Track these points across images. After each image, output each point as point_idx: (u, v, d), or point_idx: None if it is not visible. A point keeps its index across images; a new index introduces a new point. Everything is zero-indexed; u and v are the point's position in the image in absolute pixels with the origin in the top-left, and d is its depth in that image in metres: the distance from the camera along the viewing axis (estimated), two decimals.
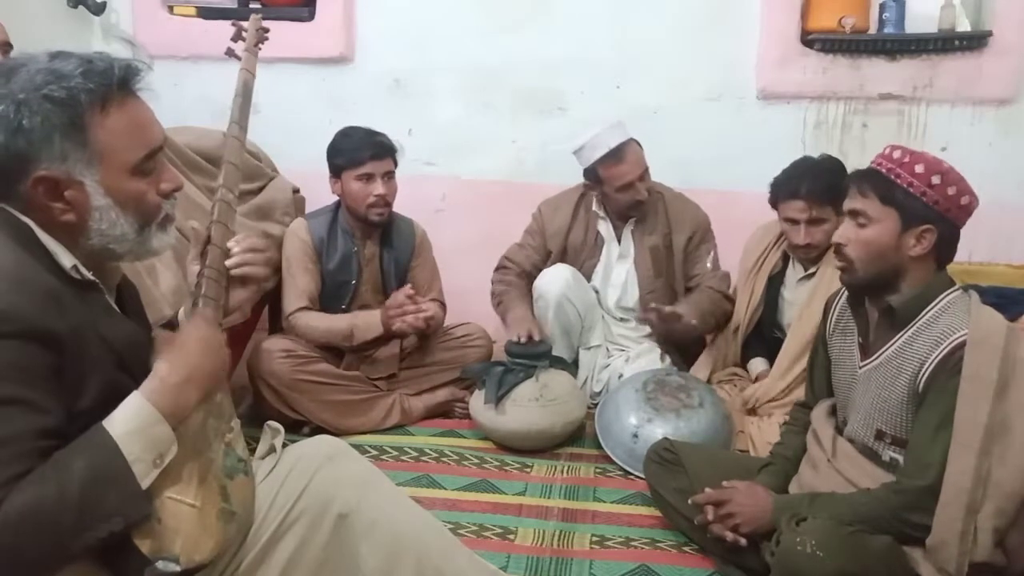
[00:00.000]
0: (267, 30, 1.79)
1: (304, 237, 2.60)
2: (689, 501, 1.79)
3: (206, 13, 3.31)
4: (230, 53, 1.78)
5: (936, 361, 1.49)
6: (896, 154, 1.56)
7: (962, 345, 1.47)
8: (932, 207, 1.52)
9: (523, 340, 2.49)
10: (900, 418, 1.56)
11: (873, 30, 3.02)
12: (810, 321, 2.25)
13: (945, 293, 1.56)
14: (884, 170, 1.56)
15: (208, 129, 2.70)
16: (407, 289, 2.53)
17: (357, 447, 1.55)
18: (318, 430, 2.35)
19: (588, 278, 2.78)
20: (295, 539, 1.24)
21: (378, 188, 2.53)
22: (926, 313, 1.55)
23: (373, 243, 2.66)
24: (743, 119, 3.14)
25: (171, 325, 1.35)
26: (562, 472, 2.31)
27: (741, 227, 2.76)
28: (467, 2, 3.21)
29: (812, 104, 3.10)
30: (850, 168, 1.85)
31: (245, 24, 1.78)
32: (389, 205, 2.59)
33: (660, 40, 3.12)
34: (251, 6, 3.33)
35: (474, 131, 3.28)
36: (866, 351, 1.65)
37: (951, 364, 1.48)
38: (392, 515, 1.30)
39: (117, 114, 1.10)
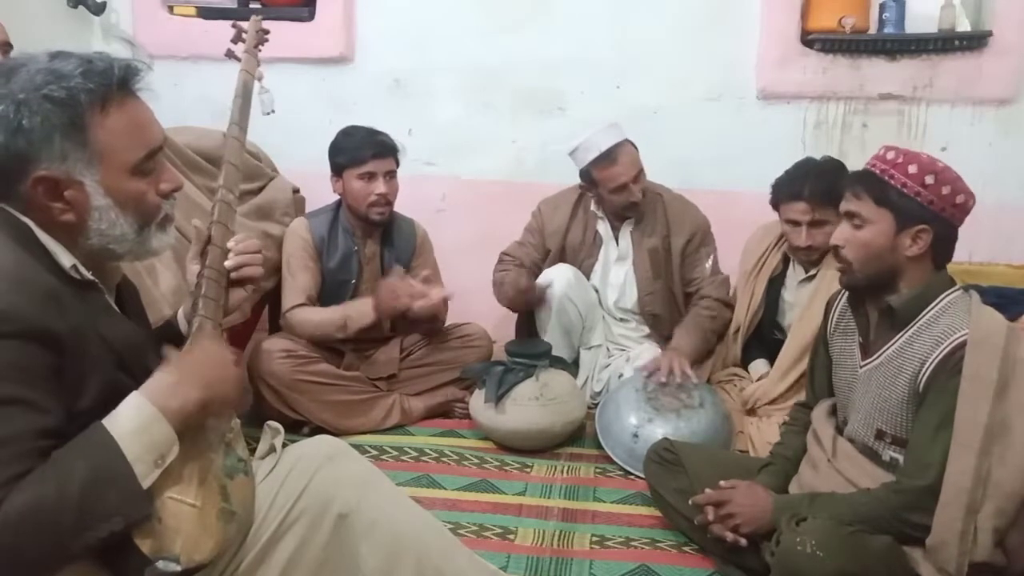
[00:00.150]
0: (267, 31, 1.79)
1: (305, 235, 2.61)
2: (690, 502, 1.79)
3: (206, 13, 3.31)
4: (230, 55, 1.78)
5: (936, 361, 1.49)
6: (890, 155, 1.56)
7: (962, 345, 1.47)
8: (927, 207, 1.52)
9: (525, 285, 2.54)
10: (900, 418, 1.57)
11: (873, 30, 3.02)
12: (811, 323, 2.24)
13: (945, 293, 1.56)
14: (878, 171, 1.56)
15: (208, 129, 2.70)
16: (399, 270, 2.51)
17: (357, 447, 1.55)
18: (318, 430, 2.35)
19: (587, 277, 2.78)
20: (295, 539, 1.24)
21: (379, 187, 2.53)
22: (926, 313, 1.55)
23: (374, 242, 2.66)
24: (743, 119, 3.14)
25: (170, 324, 1.36)
26: (562, 472, 2.31)
27: (741, 227, 2.76)
28: (467, 2, 3.22)
29: (812, 104, 3.10)
30: (851, 169, 1.85)
31: (245, 25, 1.78)
32: (390, 204, 2.59)
33: (660, 40, 3.12)
34: (251, 6, 3.33)
35: (474, 131, 3.28)
36: (867, 351, 1.65)
37: (951, 364, 1.48)
38: (392, 515, 1.30)
39: (117, 114, 1.10)
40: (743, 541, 1.67)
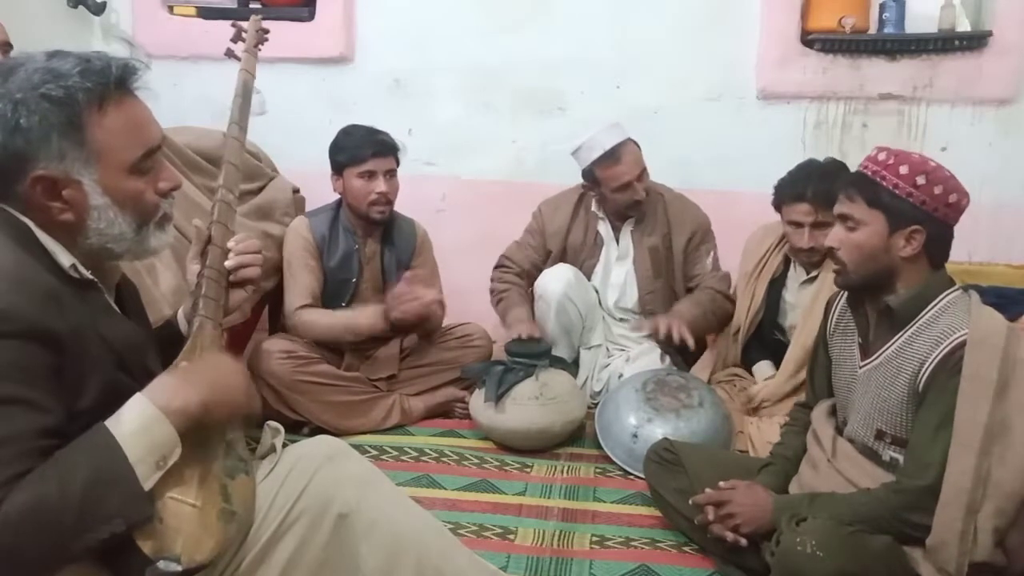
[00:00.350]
0: (267, 31, 1.79)
1: (305, 235, 2.61)
2: (690, 501, 1.79)
3: (206, 13, 3.31)
4: (230, 54, 1.78)
5: (936, 361, 1.49)
6: (881, 156, 1.56)
7: (962, 345, 1.47)
8: (919, 207, 1.52)
9: (524, 336, 2.49)
10: (900, 418, 1.56)
11: (873, 30, 3.02)
12: (814, 325, 2.24)
13: (945, 293, 1.56)
14: (869, 173, 1.56)
15: (208, 129, 2.70)
16: (406, 276, 2.52)
17: (357, 447, 1.55)
18: (318, 430, 2.35)
19: (587, 278, 2.78)
20: (295, 539, 1.24)
21: (380, 186, 2.53)
22: (926, 313, 1.55)
23: (374, 241, 2.66)
24: (743, 119, 3.14)
25: (170, 324, 1.36)
26: (562, 472, 2.31)
27: (741, 227, 2.76)
28: (467, 2, 3.22)
29: (812, 104, 3.10)
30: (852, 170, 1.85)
31: (245, 25, 1.78)
32: (391, 203, 2.59)
33: (660, 40, 3.12)
34: (251, 6, 3.33)
35: (474, 131, 3.28)
36: (866, 351, 1.65)
37: (951, 364, 1.48)
38: (392, 515, 1.29)
39: (115, 113, 1.10)
40: (743, 541, 1.67)
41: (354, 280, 2.62)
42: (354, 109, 3.17)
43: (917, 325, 1.55)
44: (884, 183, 1.53)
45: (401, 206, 2.68)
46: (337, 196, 2.65)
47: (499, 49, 3.20)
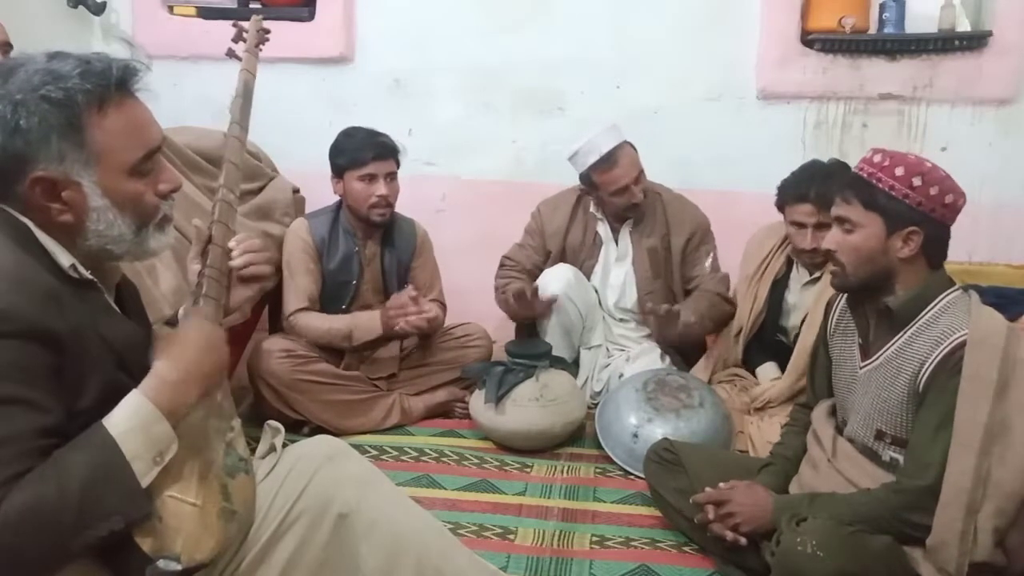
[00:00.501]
0: (268, 31, 1.79)
1: (305, 237, 2.61)
2: (691, 500, 1.79)
3: (206, 13, 3.31)
4: (230, 54, 1.78)
5: (936, 361, 1.49)
6: (877, 158, 1.56)
7: (962, 345, 1.47)
8: (916, 208, 1.52)
9: (528, 293, 2.51)
10: (900, 418, 1.56)
11: (873, 30, 3.01)
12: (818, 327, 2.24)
13: (945, 293, 1.56)
14: (865, 175, 1.56)
15: (208, 129, 2.70)
16: (410, 290, 2.53)
17: (357, 447, 1.55)
18: (318, 430, 2.35)
19: (587, 278, 2.78)
20: (295, 539, 1.24)
21: (380, 188, 2.53)
22: (926, 313, 1.55)
23: (374, 243, 2.66)
24: (743, 119, 3.14)
25: (171, 325, 1.36)
26: (562, 472, 2.31)
27: (741, 228, 2.76)
28: (467, 2, 3.21)
29: (812, 104, 3.10)
30: None
31: (246, 25, 1.78)
32: (391, 206, 2.59)
33: (660, 40, 3.12)
34: (251, 6, 3.33)
35: (474, 131, 3.28)
36: (866, 352, 1.65)
37: (951, 364, 1.48)
38: (392, 515, 1.29)
39: (115, 115, 1.10)
40: (743, 540, 1.67)
41: (354, 282, 2.62)
42: (354, 109, 3.17)
43: (917, 325, 1.55)
44: (880, 185, 1.53)
45: (401, 206, 2.68)
46: (337, 198, 2.65)
47: (499, 49, 3.20)
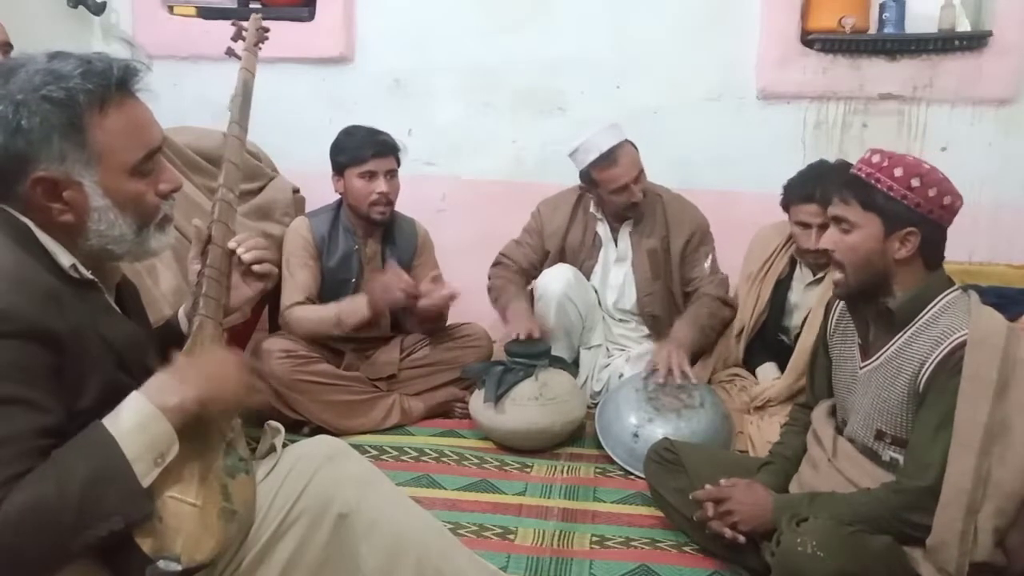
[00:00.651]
0: (267, 30, 1.79)
1: (305, 234, 2.61)
2: (690, 496, 1.79)
3: (206, 13, 3.31)
4: (230, 52, 1.78)
5: (936, 361, 1.49)
6: (875, 158, 1.56)
7: (962, 345, 1.47)
8: (914, 210, 1.52)
9: (523, 337, 2.49)
10: (900, 418, 1.56)
11: (873, 30, 3.02)
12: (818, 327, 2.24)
13: (944, 293, 1.56)
14: (864, 175, 1.55)
15: (208, 129, 2.70)
16: (391, 265, 2.50)
17: (357, 447, 1.55)
18: (318, 430, 2.35)
19: (587, 279, 2.78)
20: (295, 539, 1.24)
21: (380, 186, 2.53)
22: (925, 314, 1.55)
23: (375, 241, 2.66)
24: (743, 119, 3.14)
25: (171, 324, 1.36)
26: (562, 472, 2.31)
27: (741, 228, 2.76)
28: (467, 2, 3.22)
29: (812, 104, 3.10)
30: None
31: (245, 24, 1.78)
32: (391, 203, 2.59)
33: (660, 40, 3.12)
34: (251, 6, 3.33)
35: (474, 131, 3.28)
36: (866, 352, 1.65)
37: (951, 364, 1.47)
38: (392, 515, 1.29)
39: (116, 115, 1.10)
40: (741, 539, 1.67)
41: (353, 280, 2.62)
42: (354, 109, 3.17)
43: (916, 326, 1.55)
44: (879, 185, 1.53)
45: (401, 206, 2.68)
46: (337, 196, 2.65)
47: (499, 49, 3.20)
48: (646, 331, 2.78)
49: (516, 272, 2.78)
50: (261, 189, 2.84)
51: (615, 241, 2.77)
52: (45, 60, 1.08)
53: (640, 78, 3.16)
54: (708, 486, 1.77)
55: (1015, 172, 3.02)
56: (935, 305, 1.55)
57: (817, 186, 2.32)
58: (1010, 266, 2.88)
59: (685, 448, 1.97)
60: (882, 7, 2.99)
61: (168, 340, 1.29)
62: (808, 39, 3.03)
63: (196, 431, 1.13)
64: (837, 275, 1.61)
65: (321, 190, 2.74)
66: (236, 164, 1.45)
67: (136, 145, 1.13)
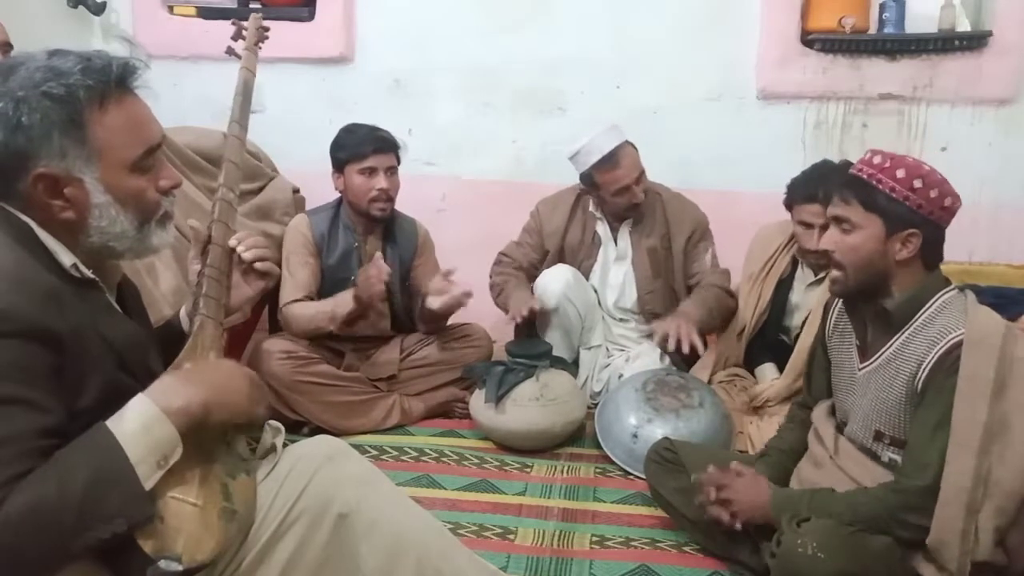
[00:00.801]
0: (267, 29, 1.79)
1: (305, 232, 2.61)
2: (692, 478, 1.78)
3: (206, 13, 3.31)
4: (230, 52, 1.78)
5: (933, 361, 1.49)
6: (877, 159, 1.55)
7: (959, 344, 1.47)
8: (916, 211, 1.52)
9: (525, 314, 2.48)
10: (899, 419, 1.56)
11: (873, 30, 3.02)
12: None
13: (940, 293, 1.56)
14: (865, 176, 1.55)
15: (208, 129, 2.70)
16: (377, 260, 2.47)
17: (357, 447, 1.55)
18: (318, 430, 2.35)
19: (586, 278, 2.78)
20: (295, 539, 1.24)
21: (380, 182, 2.53)
22: (922, 314, 1.55)
23: (375, 239, 2.66)
24: (743, 119, 3.14)
25: (171, 324, 1.36)
26: (562, 472, 2.31)
27: (741, 227, 2.76)
28: (467, 2, 3.22)
29: (812, 104, 3.11)
30: None
31: (245, 23, 1.78)
32: (391, 200, 2.59)
33: (660, 40, 3.12)
34: (251, 6, 3.33)
35: (474, 131, 3.28)
36: (864, 354, 1.65)
37: (948, 363, 1.47)
38: (392, 515, 1.29)
39: (116, 111, 1.10)
40: (738, 525, 1.66)
41: (353, 278, 2.62)
42: (354, 109, 3.17)
43: (914, 326, 1.55)
44: (881, 187, 1.53)
45: (401, 206, 2.68)
46: (337, 195, 2.65)
47: (499, 49, 3.20)
48: (646, 331, 2.78)
49: (517, 268, 2.78)
50: (261, 189, 2.84)
51: (615, 240, 2.77)
52: (45, 57, 1.08)
53: (640, 78, 3.16)
54: (712, 468, 1.76)
55: (1015, 172, 3.03)
56: (932, 305, 1.55)
57: (820, 186, 2.32)
58: (1010, 266, 2.88)
59: (685, 448, 1.97)
60: (882, 7, 2.99)
61: (169, 340, 1.29)
62: (808, 39, 3.03)
63: (197, 433, 1.13)
64: (836, 274, 1.61)
65: (321, 190, 2.74)
66: (236, 164, 1.45)
67: (136, 141, 1.13)
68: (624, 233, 2.75)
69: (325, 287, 2.62)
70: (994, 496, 1.43)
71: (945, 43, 2.95)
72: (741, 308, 2.66)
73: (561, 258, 2.78)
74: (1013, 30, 2.92)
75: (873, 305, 1.61)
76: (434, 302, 2.52)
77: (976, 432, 1.43)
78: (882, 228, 1.54)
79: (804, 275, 2.55)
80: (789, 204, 2.45)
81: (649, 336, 2.77)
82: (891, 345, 1.58)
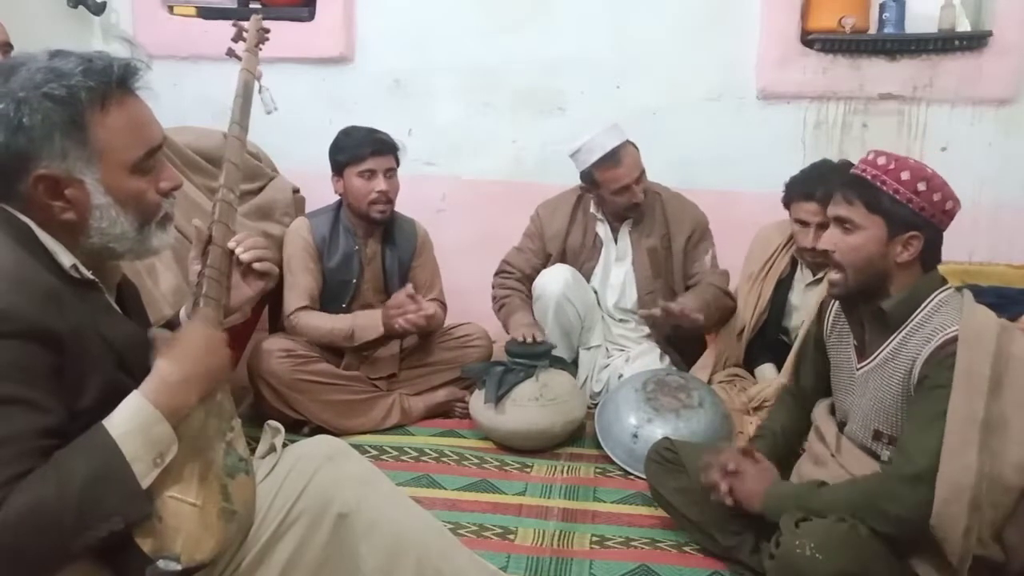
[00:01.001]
0: (268, 30, 1.79)
1: (306, 236, 2.61)
2: (703, 462, 1.78)
3: (206, 13, 3.31)
4: (231, 53, 1.78)
5: (927, 355, 1.49)
6: (881, 160, 1.55)
7: (953, 340, 1.46)
8: (919, 213, 1.52)
9: (528, 341, 2.49)
10: (897, 418, 1.57)
11: (873, 30, 3.02)
12: None
13: (936, 293, 1.56)
14: (869, 177, 1.55)
15: (208, 129, 2.70)
16: (408, 288, 2.53)
17: (357, 447, 1.55)
18: (318, 430, 2.35)
19: (587, 279, 2.78)
20: (295, 539, 1.24)
21: (380, 184, 2.53)
22: (918, 313, 1.55)
23: (375, 241, 2.66)
24: (743, 119, 3.14)
25: (171, 325, 1.36)
26: (562, 472, 2.31)
27: (741, 227, 2.76)
28: (467, 2, 3.22)
29: (812, 104, 3.11)
30: None
31: (246, 24, 1.78)
32: (391, 202, 2.59)
33: (660, 40, 3.12)
34: (251, 6, 3.33)
35: (474, 131, 3.28)
36: (862, 354, 1.65)
37: (941, 357, 1.47)
38: (392, 515, 1.29)
39: (117, 112, 1.10)
40: (729, 500, 1.67)
41: (354, 281, 2.62)
42: (354, 109, 3.18)
43: (910, 326, 1.55)
44: (885, 188, 1.53)
45: (401, 206, 2.68)
46: (337, 197, 2.65)
47: (499, 49, 3.20)
48: (646, 331, 2.78)
49: (519, 280, 2.77)
50: (261, 189, 2.84)
51: (615, 240, 2.77)
52: (46, 58, 1.08)
53: (640, 78, 3.16)
54: (737, 446, 1.74)
55: (1015, 172, 3.03)
56: (927, 304, 1.55)
57: (819, 185, 2.32)
58: (1010, 266, 2.88)
59: (685, 447, 1.97)
60: (882, 7, 2.99)
61: None
62: (808, 39, 3.03)
63: (196, 431, 1.13)
64: (835, 275, 1.61)
65: (321, 190, 2.74)
66: (236, 164, 1.45)
67: (137, 143, 1.13)
68: (624, 233, 2.75)
69: (326, 290, 2.62)
70: (990, 491, 1.43)
71: (945, 43, 2.95)
72: (741, 308, 2.66)
73: (563, 260, 2.77)
74: (1013, 30, 2.92)
75: (870, 306, 1.61)
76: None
77: (975, 429, 1.43)
78: (884, 230, 1.54)
79: (803, 275, 2.56)
80: (787, 202, 2.46)
81: (649, 336, 2.77)
82: (888, 345, 1.58)
